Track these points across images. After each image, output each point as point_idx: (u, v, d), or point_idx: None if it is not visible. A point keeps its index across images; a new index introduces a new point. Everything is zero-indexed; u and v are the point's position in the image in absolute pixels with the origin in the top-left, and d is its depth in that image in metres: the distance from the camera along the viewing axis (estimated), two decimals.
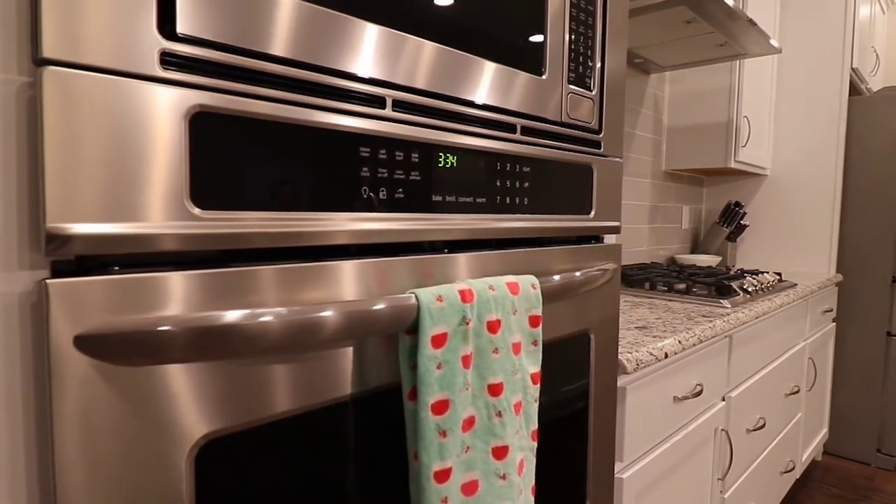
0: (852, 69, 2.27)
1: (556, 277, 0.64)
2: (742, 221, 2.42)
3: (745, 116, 2.11)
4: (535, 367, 0.58)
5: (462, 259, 0.59)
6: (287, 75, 0.43)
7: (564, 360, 0.75)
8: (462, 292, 0.50)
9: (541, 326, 0.58)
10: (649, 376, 0.99)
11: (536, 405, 0.58)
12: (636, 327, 1.12)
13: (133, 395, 0.37)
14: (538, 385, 0.58)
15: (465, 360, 0.50)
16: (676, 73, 2.27)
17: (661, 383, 1.03)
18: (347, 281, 0.49)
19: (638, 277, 1.62)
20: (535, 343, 0.58)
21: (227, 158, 0.40)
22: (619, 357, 0.89)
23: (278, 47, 0.43)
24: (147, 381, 0.37)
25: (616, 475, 0.94)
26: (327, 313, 0.42)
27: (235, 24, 0.40)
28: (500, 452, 0.53)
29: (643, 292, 1.56)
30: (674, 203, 2.44)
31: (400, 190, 0.52)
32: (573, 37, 0.72)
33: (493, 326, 0.52)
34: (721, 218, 2.42)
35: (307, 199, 0.45)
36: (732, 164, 2.09)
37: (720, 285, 1.51)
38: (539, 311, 0.58)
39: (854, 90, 2.50)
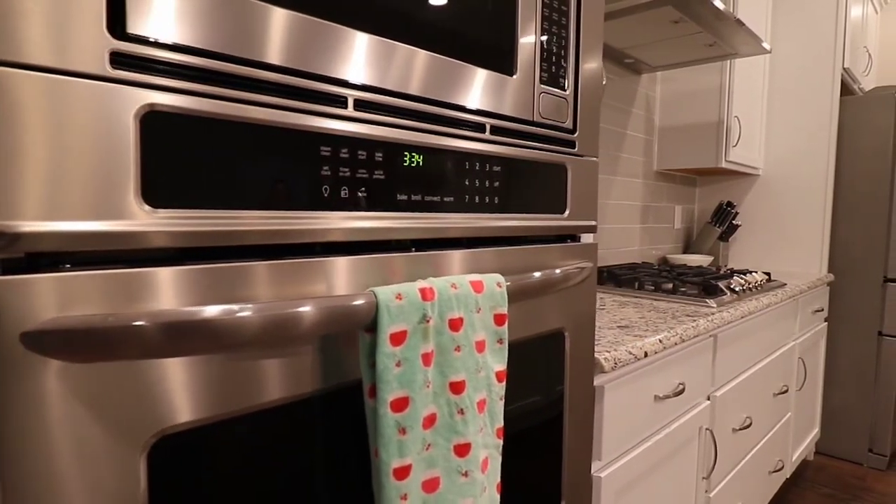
0: (844, 69, 2.27)
1: (524, 276, 0.64)
2: (734, 221, 2.42)
3: (736, 116, 2.11)
4: (500, 366, 0.58)
5: (430, 257, 0.60)
6: (240, 74, 0.44)
7: (538, 358, 0.76)
8: (423, 290, 0.50)
9: (506, 325, 0.59)
10: (629, 375, 0.99)
11: (502, 403, 0.59)
12: (618, 326, 1.12)
13: (84, 391, 0.37)
14: (503, 383, 0.59)
15: (426, 358, 0.50)
16: (668, 73, 2.28)
17: (642, 382, 1.03)
18: (310, 279, 0.49)
19: (626, 277, 1.63)
20: (500, 341, 0.58)
21: (179, 157, 0.41)
22: (597, 356, 0.89)
23: (231, 47, 0.43)
24: (98, 377, 0.38)
25: (594, 474, 0.94)
26: (280, 311, 0.42)
27: (187, 23, 0.41)
28: (462, 450, 0.53)
29: (631, 292, 1.56)
30: (666, 203, 2.45)
31: (363, 189, 0.53)
32: (545, 37, 0.72)
33: (455, 324, 0.53)
34: (713, 218, 2.43)
35: (263, 198, 0.45)
36: (723, 164, 2.10)
37: (707, 285, 1.52)
38: (504, 310, 0.58)
39: (847, 90, 2.50)
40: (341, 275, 0.51)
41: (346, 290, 0.51)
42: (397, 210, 0.56)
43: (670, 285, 1.53)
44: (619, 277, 1.64)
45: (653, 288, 1.56)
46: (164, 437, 0.41)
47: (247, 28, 0.44)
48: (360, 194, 0.52)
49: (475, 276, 0.57)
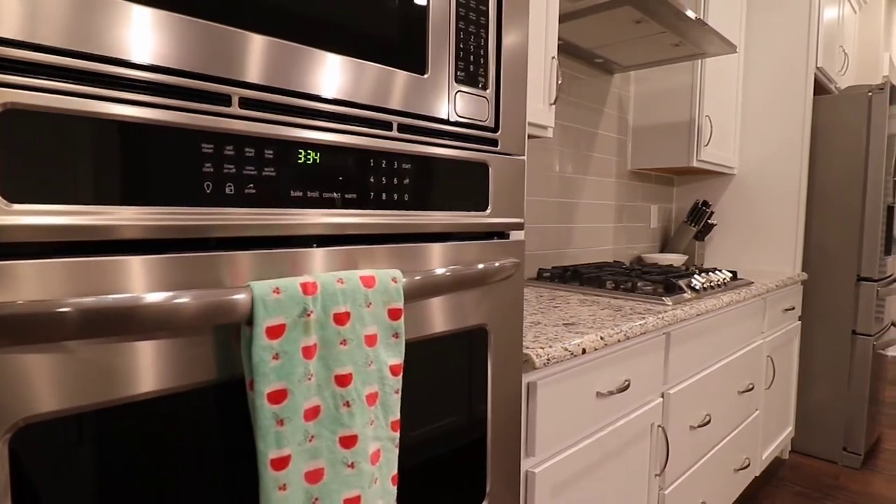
0: (817, 69, 2.28)
1: (428, 272, 0.65)
2: (709, 220, 2.43)
3: (707, 116, 2.12)
4: (395, 359, 0.59)
5: (336, 253, 0.61)
6: (100, 72, 0.45)
7: (459, 354, 0.77)
8: (304, 285, 0.51)
9: (402, 319, 0.60)
10: (567, 371, 1.00)
11: (397, 396, 0.60)
12: (564, 324, 1.13)
13: None
14: (399, 376, 0.60)
15: (307, 351, 0.51)
16: (641, 73, 2.29)
17: (582, 379, 1.04)
18: (201, 274, 0.50)
19: (589, 276, 1.64)
20: (395, 336, 0.59)
21: (38, 153, 0.42)
22: (529, 352, 0.90)
23: (100, 46, 0.44)
24: None
25: (529, 470, 0.95)
26: (142, 302, 0.43)
27: (51, 22, 0.42)
28: (349, 442, 0.54)
29: (592, 290, 1.57)
30: (641, 202, 2.46)
31: (250, 185, 0.54)
32: (462, 36, 0.73)
33: (340, 318, 0.54)
34: (689, 217, 2.43)
35: (136, 195, 0.46)
36: (695, 164, 2.10)
37: (668, 283, 1.52)
38: (400, 305, 0.59)
39: (823, 90, 2.51)
40: (236, 270, 0.52)
41: (238, 285, 0.52)
42: (290, 206, 0.57)
43: (630, 283, 1.54)
44: (583, 276, 1.65)
45: (613, 286, 1.57)
46: (27, 426, 0.42)
47: (124, 28, 0.45)
48: (246, 191, 0.53)
49: (367, 271, 0.58)
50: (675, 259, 2.30)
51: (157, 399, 0.49)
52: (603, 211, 2.23)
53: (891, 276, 2.42)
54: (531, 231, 1.88)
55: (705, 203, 2.40)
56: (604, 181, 2.22)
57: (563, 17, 1.61)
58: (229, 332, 0.52)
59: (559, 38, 1.79)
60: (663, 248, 2.64)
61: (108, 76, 0.45)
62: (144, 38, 0.46)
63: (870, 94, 2.17)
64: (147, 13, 0.46)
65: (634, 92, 2.31)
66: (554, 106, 1.42)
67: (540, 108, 1.37)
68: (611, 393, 1.11)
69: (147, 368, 0.48)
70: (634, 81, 2.31)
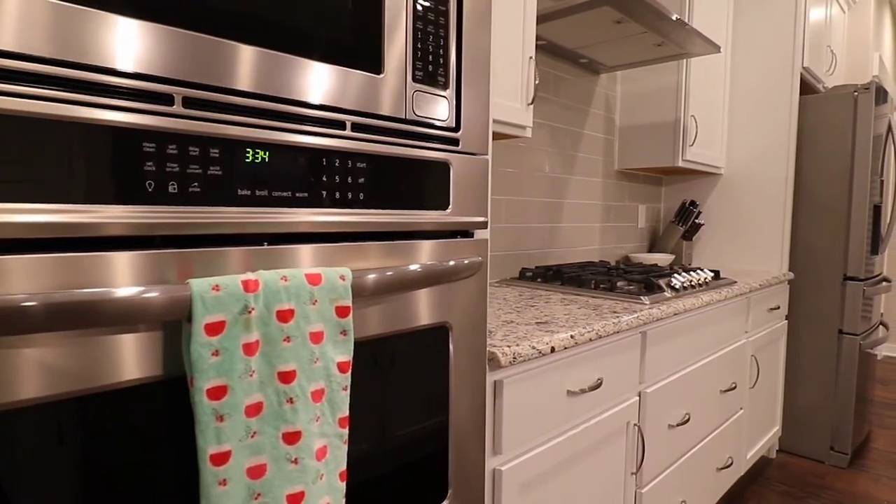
0: (804, 68, 2.28)
1: (380, 269, 0.66)
2: (697, 220, 2.43)
3: (693, 116, 2.12)
4: (343, 357, 0.60)
5: (285, 252, 0.61)
6: (38, 72, 0.45)
7: (421, 352, 0.77)
8: (246, 282, 0.52)
9: (350, 317, 0.60)
10: (536, 370, 1.00)
11: (345, 393, 0.60)
12: (537, 322, 1.13)
13: None
14: (347, 373, 0.60)
15: (248, 348, 0.52)
16: (628, 73, 2.29)
17: (551, 377, 1.04)
18: (150, 272, 0.50)
19: (570, 275, 1.64)
20: (343, 333, 0.60)
21: None
22: (494, 350, 0.90)
23: (50, 50, 0.45)
24: None
25: (496, 467, 0.95)
26: (74, 299, 0.44)
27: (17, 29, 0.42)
28: (292, 438, 0.54)
29: (573, 290, 1.57)
30: (628, 202, 2.46)
31: (195, 184, 0.54)
32: (420, 35, 0.74)
33: (283, 315, 0.54)
34: (676, 217, 2.44)
35: (76, 191, 0.47)
36: (680, 163, 2.11)
37: (647, 282, 1.53)
38: (348, 302, 0.60)
39: (810, 90, 2.51)
40: (184, 268, 0.53)
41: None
42: (238, 205, 0.57)
43: (609, 283, 1.55)
44: (565, 275, 1.65)
45: (594, 286, 1.57)
46: None
47: (67, 30, 0.45)
48: (191, 189, 0.54)
49: (313, 269, 0.58)
50: (662, 259, 2.30)
51: (105, 394, 0.49)
52: (590, 211, 2.23)
53: (877, 275, 2.43)
54: (515, 231, 1.88)
55: (693, 203, 2.41)
56: (591, 181, 2.22)
57: (544, 17, 1.62)
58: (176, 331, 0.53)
59: (542, 39, 1.80)
60: (651, 248, 2.64)
61: (48, 76, 0.45)
62: (93, 40, 0.47)
63: (855, 93, 2.18)
64: (90, 15, 0.47)
65: (621, 92, 2.32)
66: (532, 105, 1.42)
67: (517, 108, 1.38)
68: (582, 391, 1.12)
69: (97, 364, 0.48)
70: (621, 81, 2.31)
